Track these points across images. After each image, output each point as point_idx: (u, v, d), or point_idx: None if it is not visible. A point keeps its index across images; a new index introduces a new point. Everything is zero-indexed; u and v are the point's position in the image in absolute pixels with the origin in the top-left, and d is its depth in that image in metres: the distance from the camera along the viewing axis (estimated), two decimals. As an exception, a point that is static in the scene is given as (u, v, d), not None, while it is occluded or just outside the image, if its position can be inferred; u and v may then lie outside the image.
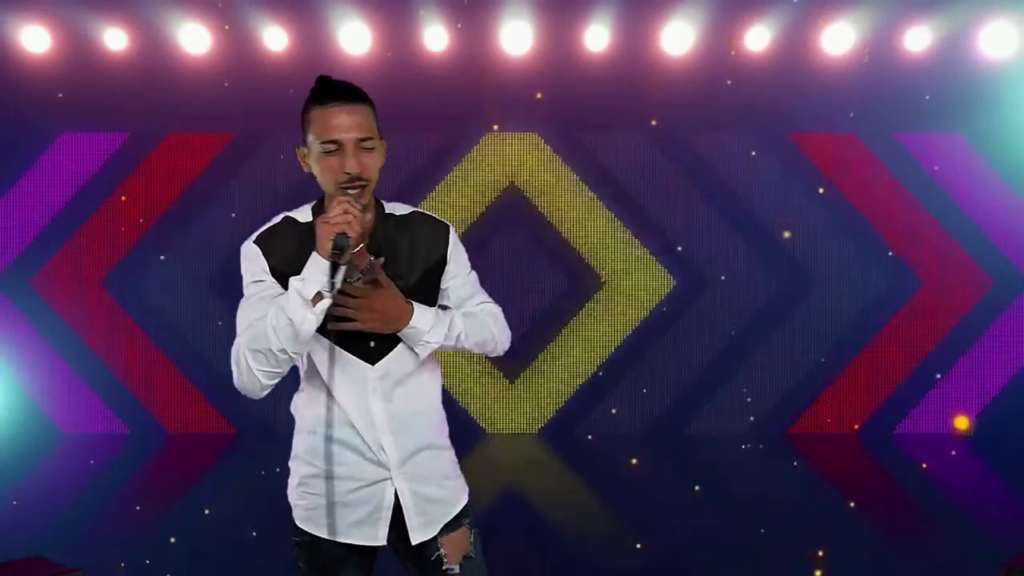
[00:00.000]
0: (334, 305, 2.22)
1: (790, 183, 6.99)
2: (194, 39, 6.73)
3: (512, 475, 6.18)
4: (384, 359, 2.37)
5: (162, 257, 7.04)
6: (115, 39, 6.75)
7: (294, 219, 2.40)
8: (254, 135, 7.03)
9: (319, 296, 2.18)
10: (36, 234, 7.04)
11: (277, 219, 2.43)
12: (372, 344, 2.34)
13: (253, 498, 5.54)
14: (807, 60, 6.80)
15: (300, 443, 2.59)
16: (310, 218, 2.37)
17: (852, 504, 5.57)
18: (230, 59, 6.82)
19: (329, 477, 2.44)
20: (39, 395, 7.03)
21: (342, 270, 2.16)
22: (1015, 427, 6.75)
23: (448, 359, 6.73)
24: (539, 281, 7.00)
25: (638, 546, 4.89)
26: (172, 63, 6.81)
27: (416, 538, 2.42)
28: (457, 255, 2.46)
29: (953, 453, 6.67)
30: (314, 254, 2.20)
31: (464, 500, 2.51)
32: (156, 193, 7.04)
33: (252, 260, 2.42)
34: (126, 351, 7.06)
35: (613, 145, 7.06)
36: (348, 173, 2.26)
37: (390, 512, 2.41)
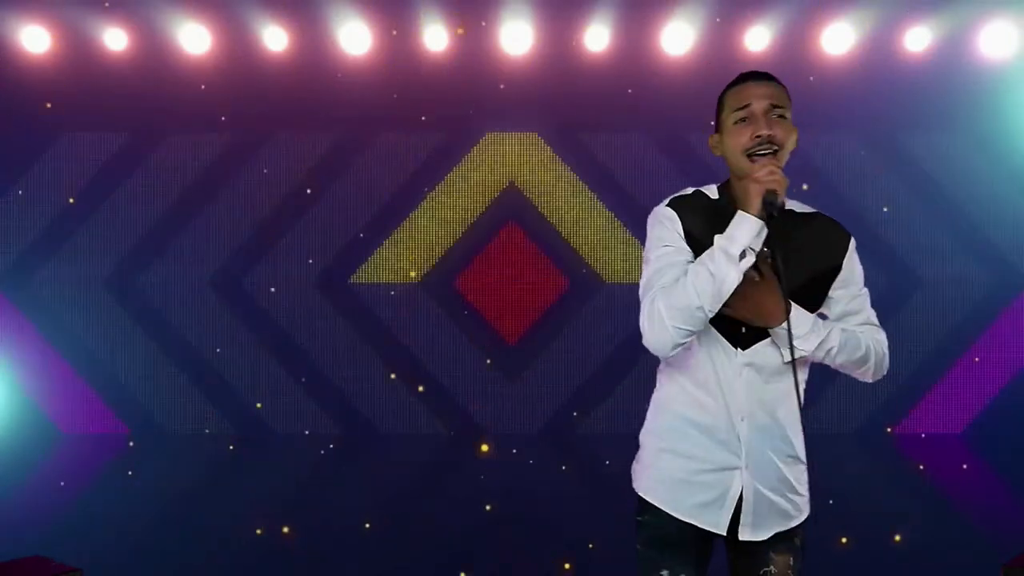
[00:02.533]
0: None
1: (790, 183, 6.97)
2: (194, 39, 6.73)
3: (512, 476, 6.18)
4: (753, 347, 2.35)
5: (162, 257, 7.04)
6: (115, 39, 6.75)
7: (704, 193, 2.49)
8: (254, 135, 7.02)
9: (743, 255, 2.21)
10: (36, 234, 7.03)
11: (688, 190, 2.52)
12: (744, 330, 2.33)
13: (253, 498, 5.54)
14: (807, 60, 6.80)
15: (655, 417, 2.62)
16: (717, 196, 2.43)
17: (851, 504, 5.57)
18: (230, 59, 6.82)
19: (681, 454, 2.43)
20: (39, 395, 7.02)
21: (751, 223, 2.21)
22: (1015, 427, 6.75)
23: (446, 357, 6.73)
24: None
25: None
26: (172, 63, 6.81)
27: (744, 535, 2.39)
28: (853, 266, 2.46)
29: (952, 453, 6.66)
30: (739, 212, 2.23)
31: (802, 518, 2.45)
32: (156, 193, 7.04)
33: (669, 221, 2.49)
34: (126, 351, 7.06)
35: (613, 145, 7.05)
36: (759, 136, 2.31)
37: (735, 502, 2.37)
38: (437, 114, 6.89)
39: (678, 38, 6.73)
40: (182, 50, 6.78)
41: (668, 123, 6.98)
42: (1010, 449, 6.52)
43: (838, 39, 6.70)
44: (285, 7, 6.75)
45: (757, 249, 2.19)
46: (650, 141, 7.04)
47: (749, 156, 2.34)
